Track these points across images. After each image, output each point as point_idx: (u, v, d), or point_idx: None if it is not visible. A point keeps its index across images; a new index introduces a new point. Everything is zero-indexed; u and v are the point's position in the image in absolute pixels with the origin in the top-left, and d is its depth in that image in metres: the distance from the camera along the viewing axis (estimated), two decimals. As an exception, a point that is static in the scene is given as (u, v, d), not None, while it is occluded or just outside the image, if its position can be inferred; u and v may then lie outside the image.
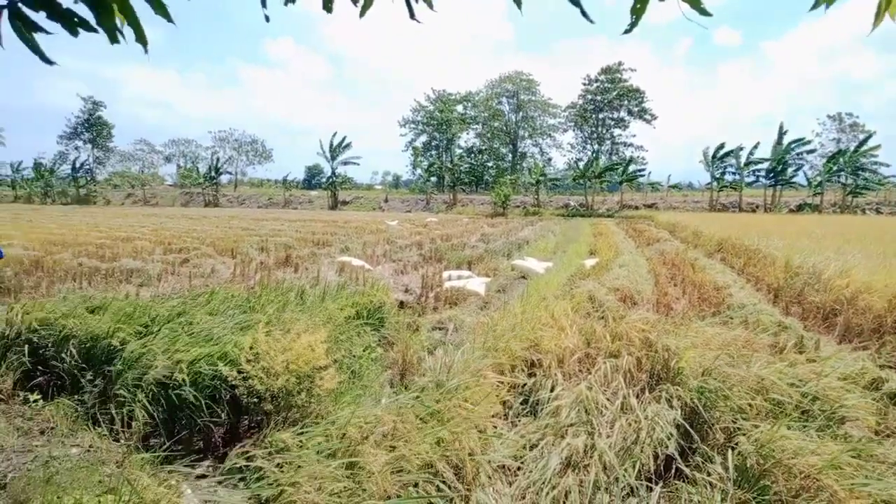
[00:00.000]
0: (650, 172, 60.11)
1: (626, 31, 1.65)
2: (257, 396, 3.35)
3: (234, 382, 3.40)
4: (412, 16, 2.14)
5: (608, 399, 3.84)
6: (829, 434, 3.31)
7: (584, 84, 70.20)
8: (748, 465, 2.63)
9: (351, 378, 4.16)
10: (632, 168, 54.18)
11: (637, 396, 3.94)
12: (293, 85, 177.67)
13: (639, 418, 3.46)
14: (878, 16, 1.35)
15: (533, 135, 75.14)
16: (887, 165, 46.15)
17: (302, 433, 3.03)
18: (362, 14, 2.21)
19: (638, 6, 1.65)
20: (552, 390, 3.76)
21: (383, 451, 2.79)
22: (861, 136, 48.99)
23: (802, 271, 9.07)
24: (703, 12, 1.56)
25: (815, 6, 1.29)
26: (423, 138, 72.23)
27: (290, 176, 65.68)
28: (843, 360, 5.85)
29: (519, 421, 3.54)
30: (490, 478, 2.90)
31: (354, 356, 4.52)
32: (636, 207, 49.48)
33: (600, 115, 69.90)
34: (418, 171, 64.44)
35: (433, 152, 71.53)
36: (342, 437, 2.90)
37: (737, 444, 2.83)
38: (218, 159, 70.73)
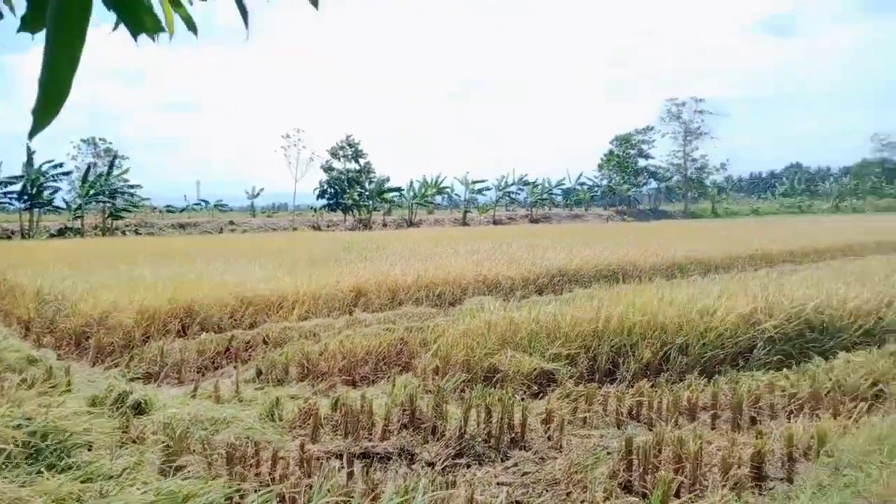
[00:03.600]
0: None
1: None
2: None
3: None
4: None
5: None
6: (61, 466, 3.14)
7: None
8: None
9: None
10: None
11: None
12: None
13: None
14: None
15: None
16: (140, 187, 50.71)
17: None
18: None
19: None
20: None
21: None
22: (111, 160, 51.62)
23: (52, 298, 8.67)
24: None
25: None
26: None
27: None
28: (94, 383, 5.87)
29: None
30: None
31: None
32: None
33: None
34: None
35: None
36: None
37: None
38: None
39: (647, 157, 77.24)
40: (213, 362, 6.75)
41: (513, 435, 4.46)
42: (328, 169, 55.03)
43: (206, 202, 63.40)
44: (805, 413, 4.71)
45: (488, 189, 64.63)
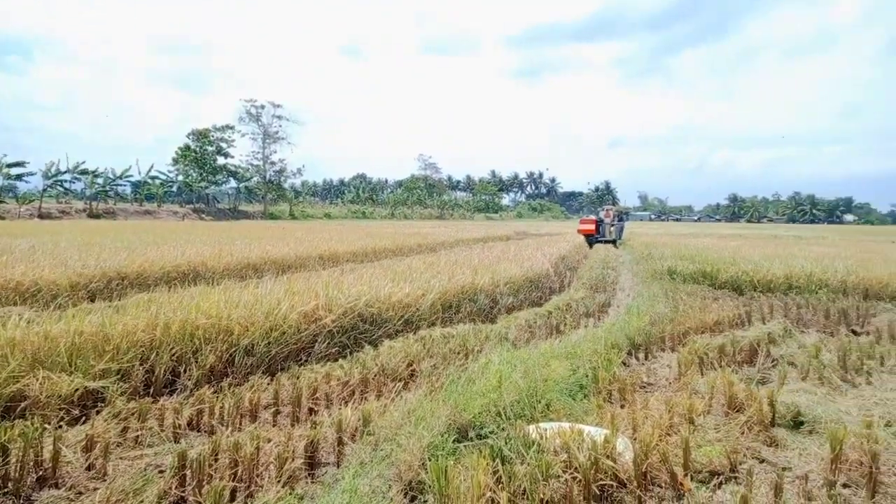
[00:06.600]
0: None
1: None
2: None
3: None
4: None
5: None
6: None
7: None
8: None
9: None
10: None
11: None
12: None
13: None
14: None
15: None
16: None
17: None
18: None
19: None
20: None
21: None
22: None
23: None
24: None
25: None
26: None
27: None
28: None
29: None
30: None
31: None
32: None
33: None
34: None
35: None
36: None
37: None
38: None
39: (226, 155, 76.25)
40: None
41: (41, 472, 3.68)
42: None
43: None
44: (356, 398, 5.21)
45: (32, 174, 53.85)
